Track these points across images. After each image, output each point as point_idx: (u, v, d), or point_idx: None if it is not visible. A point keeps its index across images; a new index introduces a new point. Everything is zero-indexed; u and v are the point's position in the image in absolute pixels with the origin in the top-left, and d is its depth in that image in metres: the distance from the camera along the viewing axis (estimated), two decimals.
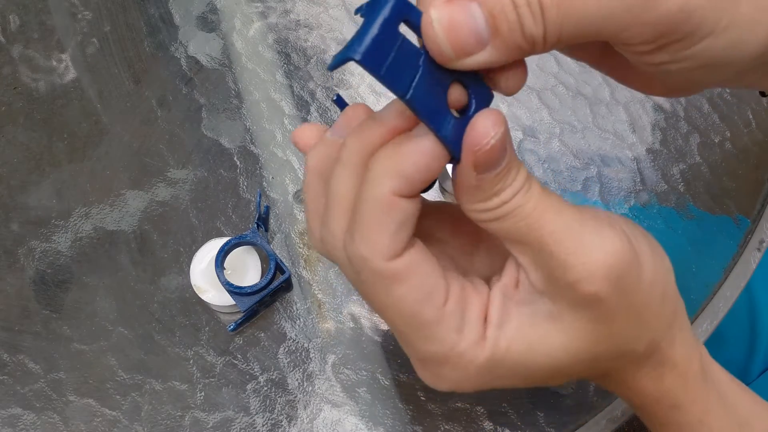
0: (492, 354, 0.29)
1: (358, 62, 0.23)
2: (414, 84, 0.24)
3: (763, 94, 0.50)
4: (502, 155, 0.26)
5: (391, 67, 0.24)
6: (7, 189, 0.54)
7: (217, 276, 0.48)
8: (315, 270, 0.52)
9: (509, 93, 0.28)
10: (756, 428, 0.36)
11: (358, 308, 0.51)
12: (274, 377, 0.49)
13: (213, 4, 0.61)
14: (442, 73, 0.25)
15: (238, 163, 0.55)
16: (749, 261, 0.53)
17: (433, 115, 0.25)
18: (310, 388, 0.49)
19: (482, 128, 0.26)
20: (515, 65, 0.27)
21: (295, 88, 0.58)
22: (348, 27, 0.61)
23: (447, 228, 0.32)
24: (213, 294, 0.50)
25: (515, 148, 0.57)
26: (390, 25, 0.24)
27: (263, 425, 0.48)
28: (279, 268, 0.49)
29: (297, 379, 0.49)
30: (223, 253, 0.48)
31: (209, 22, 0.60)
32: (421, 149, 0.26)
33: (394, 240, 0.27)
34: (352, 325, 0.51)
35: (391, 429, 0.48)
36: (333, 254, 0.29)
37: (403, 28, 0.25)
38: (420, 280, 0.28)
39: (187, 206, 0.54)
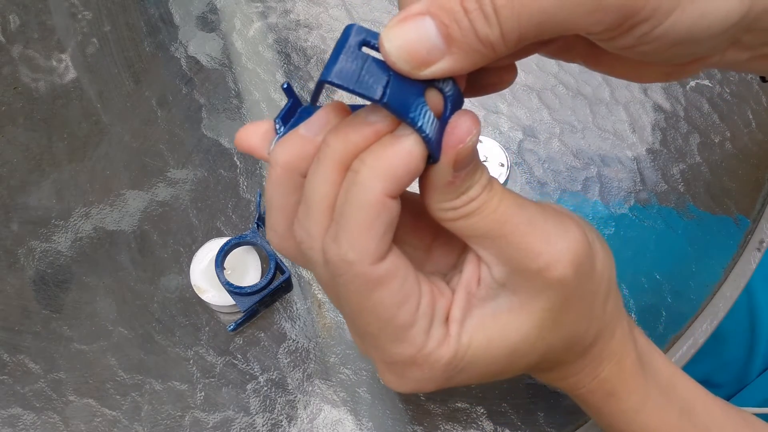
0: (455, 352, 0.29)
1: (332, 83, 0.26)
2: (388, 90, 0.26)
3: (763, 79, 0.50)
4: (475, 153, 0.28)
5: (363, 80, 0.26)
6: (7, 189, 0.54)
7: (217, 276, 0.48)
8: None
9: (498, 89, 0.29)
10: (698, 411, 0.37)
11: None
12: (274, 377, 0.49)
13: (213, 4, 0.61)
14: (413, 80, 0.27)
15: (238, 163, 0.55)
16: (749, 261, 0.53)
17: (415, 115, 0.27)
18: (310, 388, 0.49)
19: (465, 127, 0.27)
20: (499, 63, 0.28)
21: (295, 88, 0.58)
22: None
23: (406, 226, 0.32)
24: (213, 294, 0.50)
25: (515, 148, 0.57)
26: (353, 51, 0.27)
27: (263, 425, 0.48)
28: (279, 268, 0.49)
29: (297, 379, 0.49)
30: (223, 253, 0.48)
31: (209, 22, 0.60)
32: (409, 149, 0.27)
33: (381, 243, 0.27)
34: None
35: (391, 429, 0.48)
36: (307, 254, 0.30)
37: None
38: (400, 283, 0.28)
39: (187, 206, 0.54)
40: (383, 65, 0.27)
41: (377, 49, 0.27)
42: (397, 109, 0.26)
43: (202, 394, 0.49)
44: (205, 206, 0.54)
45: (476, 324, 0.30)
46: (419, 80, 0.27)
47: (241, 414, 0.48)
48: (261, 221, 0.51)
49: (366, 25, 0.61)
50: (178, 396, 0.49)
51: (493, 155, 0.53)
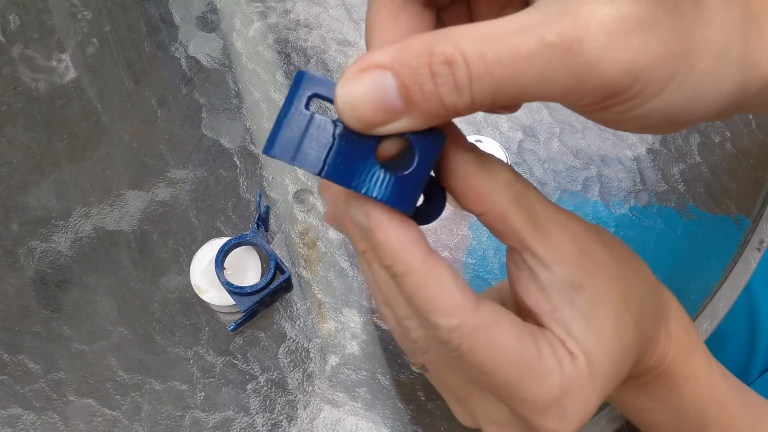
0: (587, 361, 0.28)
1: (273, 157, 0.25)
2: (329, 159, 0.25)
3: None
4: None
5: (303, 150, 0.25)
6: (7, 189, 0.54)
7: (217, 276, 0.48)
8: (315, 270, 0.52)
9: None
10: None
11: (358, 308, 0.51)
12: (274, 377, 0.49)
13: (213, 4, 0.61)
14: (363, 138, 0.25)
15: (238, 163, 0.55)
16: (749, 261, 0.53)
17: (359, 182, 0.25)
18: (310, 388, 0.49)
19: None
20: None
21: None
22: (348, 27, 0.61)
23: None
24: (213, 294, 0.50)
25: (515, 148, 0.57)
26: (297, 111, 0.25)
27: (263, 425, 0.48)
28: (279, 268, 0.49)
29: (297, 379, 0.49)
30: (223, 253, 0.48)
31: (209, 22, 0.60)
32: (389, 235, 0.26)
33: (462, 291, 0.27)
34: (352, 325, 0.51)
35: (391, 429, 0.48)
36: (422, 351, 0.30)
37: None
38: (509, 320, 0.28)
39: (187, 206, 0.54)
40: (329, 125, 0.25)
41: (328, 99, 0.25)
42: (338, 179, 0.25)
43: (202, 394, 0.49)
44: (205, 206, 0.54)
45: (581, 332, 0.29)
46: (369, 135, 0.25)
47: (241, 414, 0.48)
48: (261, 221, 0.51)
49: (365, 26, 0.61)
50: (178, 396, 0.49)
51: (493, 155, 0.53)
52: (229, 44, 0.59)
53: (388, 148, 0.27)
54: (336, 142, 0.25)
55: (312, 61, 0.59)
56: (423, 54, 0.23)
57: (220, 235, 0.53)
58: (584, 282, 0.29)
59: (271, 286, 0.48)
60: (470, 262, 0.53)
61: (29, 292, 0.51)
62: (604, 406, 0.49)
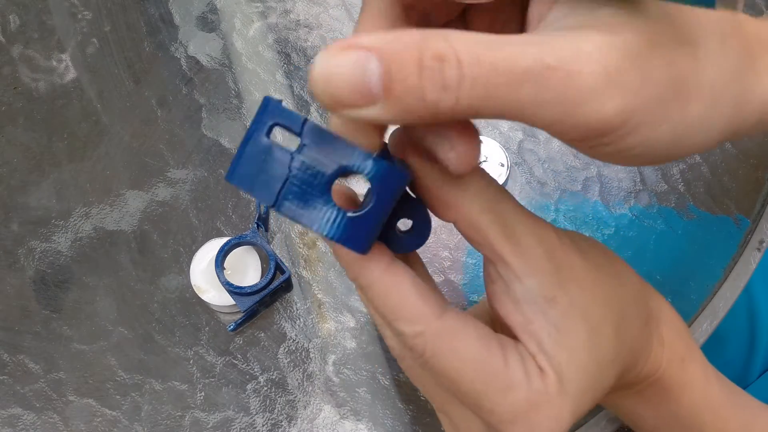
0: (558, 376, 0.28)
1: (233, 184, 0.25)
2: (282, 192, 0.25)
3: None
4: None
5: (260, 180, 0.25)
6: (7, 189, 0.54)
7: (217, 276, 0.48)
8: (315, 270, 0.52)
9: (456, 170, 0.26)
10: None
11: (358, 308, 0.51)
12: (274, 377, 0.49)
13: (213, 4, 0.61)
14: (319, 172, 0.25)
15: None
16: (749, 261, 0.53)
17: (311, 219, 0.25)
18: (310, 388, 0.49)
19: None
20: (461, 132, 0.26)
21: (295, 88, 0.58)
22: (348, 27, 0.61)
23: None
24: (213, 294, 0.50)
25: (515, 148, 0.57)
26: (258, 140, 0.25)
27: (263, 425, 0.48)
28: (279, 268, 0.49)
29: (297, 379, 0.49)
30: (223, 253, 0.48)
31: (209, 22, 0.60)
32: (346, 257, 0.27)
33: (425, 301, 0.27)
34: (352, 325, 0.51)
35: (391, 429, 0.48)
36: (400, 359, 0.31)
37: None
38: (474, 329, 0.28)
39: (187, 206, 0.54)
40: (286, 157, 0.24)
41: (289, 130, 0.25)
42: (290, 214, 0.25)
43: (202, 394, 0.49)
44: (205, 206, 0.54)
45: (553, 346, 0.28)
46: (326, 170, 0.24)
47: (241, 414, 0.48)
48: (261, 221, 0.51)
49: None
50: (178, 396, 0.49)
51: (493, 155, 0.53)
52: (229, 44, 0.59)
53: (341, 190, 0.27)
54: (291, 176, 0.25)
55: (312, 61, 0.59)
56: (414, 46, 0.22)
57: (220, 235, 0.53)
58: (557, 294, 0.28)
59: (271, 286, 0.48)
60: (470, 262, 0.53)
61: (29, 292, 0.51)
62: (603, 407, 0.49)
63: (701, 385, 0.37)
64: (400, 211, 0.28)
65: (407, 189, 0.28)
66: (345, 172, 0.25)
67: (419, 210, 0.29)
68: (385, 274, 0.27)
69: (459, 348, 0.27)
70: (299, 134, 0.25)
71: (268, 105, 0.25)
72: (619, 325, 0.30)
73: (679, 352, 0.35)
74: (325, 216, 0.25)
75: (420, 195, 0.28)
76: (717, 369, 0.41)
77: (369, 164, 0.24)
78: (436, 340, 0.27)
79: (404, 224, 0.29)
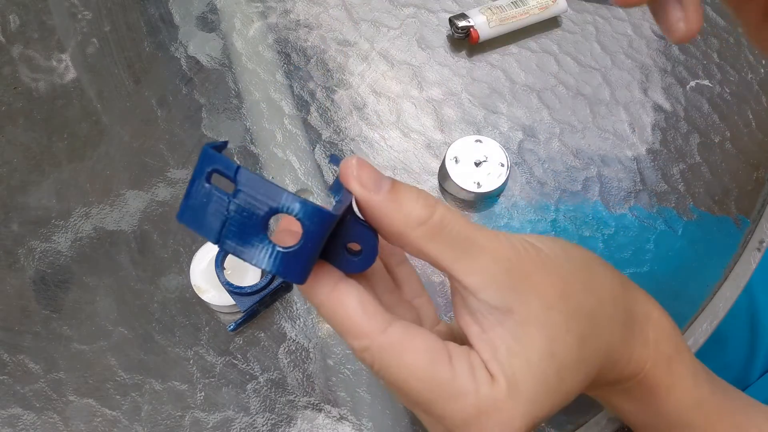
0: (508, 384, 0.29)
1: (183, 224, 0.28)
2: (224, 231, 0.27)
3: None
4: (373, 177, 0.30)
5: (205, 221, 0.27)
6: (7, 189, 0.54)
7: (217, 276, 0.48)
8: None
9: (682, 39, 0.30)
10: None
11: None
12: (274, 377, 0.49)
13: (213, 4, 0.61)
14: (254, 214, 0.27)
15: (239, 162, 0.55)
16: (749, 261, 0.53)
17: (250, 254, 0.27)
18: (310, 388, 0.49)
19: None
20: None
21: (295, 88, 0.58)
22: (348, 27, 0.61)
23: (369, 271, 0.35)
24: (213, 294, 0.50)
25: (515, 148, 0.57)
26: (200, 186, 0.27)
27: (263, 425, 0.48)
28: None
29: (297, 379, 0.49)
30: (223, 253, 0.48)
31: (209, 22, 0.60)
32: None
33: (367, 317, 0.29)
34: None
35: (391, 429, 0.48)
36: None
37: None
38: (421, 340, 0.29)
39: None
40: (224, 200, 0.27)
41: (225, 175, 0.27)
42: (231, 251, 0.27)
43: (202, 394, 0.49)
44: None
45: (507, 354, 0.30)
46: (259, 212, 0.27)
47: (241, 414, 0.48)
48: None
49: (365, 26, 0.61)
50: (178, 396, 0.49)
51: (493, 155, 0.53)
52: (229, 44, 0.60)
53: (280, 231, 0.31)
54: (230, 217, 0.27)
55: (312, 61, 0.59)
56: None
57: None
58: (513, 305, 0.30)
59: (271, 286, 0.48)
60: None
61: (29, 292, 0.51)
62: (603, 407, 0.49)
63: (689, 386, 0.37)
64: (350, 233, 0.31)
65: (359, 214, 0.31)
66: (276, 212, 0.27)
67: (367, 234, 0.31)
68: (332, 294, 0.30)
69: (404, 360, 0.29)
70: (233, 180, 0.27)
71: (207, 153, 0.28)
72: (586, 332, 0.31)
73: (665, 353, 0.36)
74: (261, 252, 0.27)
75: (372, 224, 0.31)
76: (717, 370, 0.41)
77: (297, 206, 0.27)
78: (382, 354, 0.29)
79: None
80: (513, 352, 0.29)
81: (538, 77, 0.60)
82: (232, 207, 0.27)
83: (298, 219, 0.27)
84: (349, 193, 0.30)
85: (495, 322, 0.30)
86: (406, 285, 0.35)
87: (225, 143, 0.29)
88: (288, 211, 0.27)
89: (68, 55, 0.59)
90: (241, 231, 0.27)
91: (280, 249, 0.27)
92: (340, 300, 0.30)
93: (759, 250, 0.54)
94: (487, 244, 0.30)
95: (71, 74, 0.58)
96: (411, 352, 0.29)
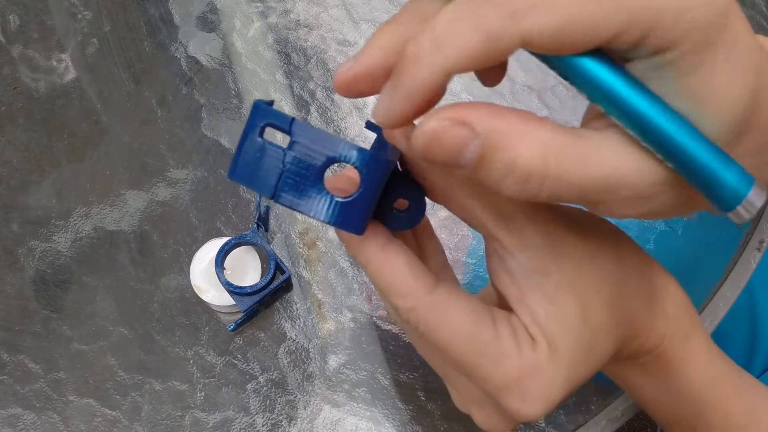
0: (549, 345, 0.29)
1: (234, 180, 0.28)
2: (279, 184, 0.27)
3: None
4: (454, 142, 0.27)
5: (258, 176, 0.27)
6: (7, 189, 0.54)
7: (217, 276, 0.48)
8: (315, 270, 0.52)
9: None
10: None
11: (357, 308, 0.51)
12: (274, 377, 0.49)
13: (213, 4, 0.61)
14: (310, 164, 0.27)
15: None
16: (749, 261, 0.53)
17: (307, 206, 0.28)
18: (310, 388, 0.49)
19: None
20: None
21: (295, 88, 0.58)
22: (348, 27, 0.61)
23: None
24: (213, 294, 0.50)
25: None
26: (253, 140, 0.27)
27: (263, 425, 0.48)
28: (279, 268, 0.49)
29: (297, 379, 0.49)
30: (223, 253, 0.48)
31: (209, 22, 0.60)
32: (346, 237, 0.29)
33: (416, 277, 0.29)
34: (352, 325, 0.51)
35: (391, 429, 0.48)
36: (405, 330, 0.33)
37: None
38: (465, 302, 0.29)
39: (187, 206, 0.54)
40: (279, 153, 0.27)
41: (281, 129, 0.27)
42: (288, 204, 0.27)
43: (202, 394, 0.49)
44: (205, 206, 0.54)
45: (546, 317, 0.30)
46: (316, 162, 0.27)
47: (241, 414, 0.48)
48: (261, 221, 0.51)
49: (365, 26, 0.61)
50: (178, 396, 0.49)
51: None
52: (229, 44, 0.60)
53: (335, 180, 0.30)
54: (285, 170, 0.27)
55: (312, 61, 0.59)
56: (511, 145, 0.24)
57: (220, 235, 0.53)
58: (550, 268, 0.30)
59: (271, 286, 0.48)
60: (470, 262, 0.53)
61: (29, 292, 0.51)
62: (604, 407, 0.49)
63: (704, 362, 0.37)
64: (398, 191, 0.30)
65: (407, 170, 0.30)
66: (333, 162, 0.27)
67: (414, 191, 0.31)
68: (380, 252, 0.29)
69: (450, 321, 0.29)
70: (289, 132, 0.27)
71: (259, 108, 0.27)
72: (615, 298, 0.31)
73: (683, 327, 0.36)
74: (319, 203, 0.27)
75: (418, 180, 0.30)
76: None
77: (354, 154, 0.27)
78: (428, 314, 0.29)
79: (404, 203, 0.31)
80: (551, 315, 0.30)
81: (537, 77, 0.60)
82: (287, 159, 0.27)
83: (356, 167, 0.27)
84: (395, 149, 0.30)
85: (533, 285, 0.30)
86: (432, 259, 0.35)
87: (272, 101, 0.29)
88: (345, 160, 0.27)
89: (68, 55, 0.59)
90: (298, 183, 0.27)
91: (339, 199, 0.27)
92: (389, 259, 0.29)
93: (759, 249, 0.54)
94: (528, 208, 0.30)
95: (71, 74, 0.58)
96: (457, 313, 0.29)
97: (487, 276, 0.32)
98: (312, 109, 0.58)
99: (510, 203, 0.30)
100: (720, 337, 0.59)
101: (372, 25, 0.61)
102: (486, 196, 0.30)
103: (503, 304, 0.32)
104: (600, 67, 0.24)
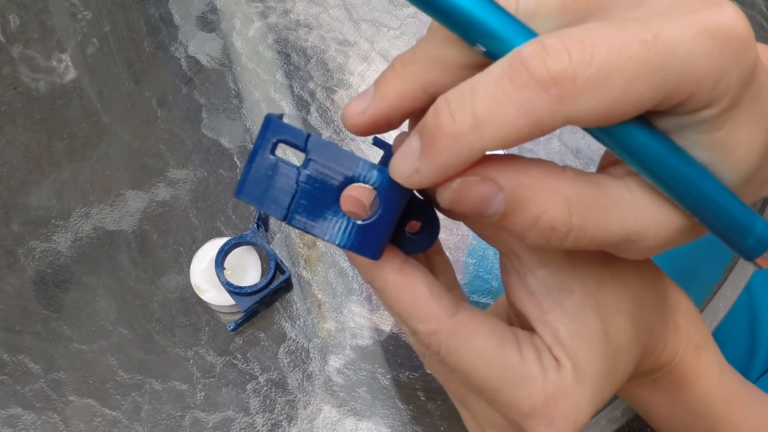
0: (573, 367, 0.29)
1: (242, 200, 0.26)
2: (293, 206, 0.26)
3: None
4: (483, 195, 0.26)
5: (269, 196, 0.26)
6: (7, 189, 0.54)
7: (217, 276, 0.48)
8: (315, 270, 0.52)
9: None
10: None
11: (357, 308, 0.51)
12: (274, 377, 0.49)
13: (213, 4, 0.61)
14: (326, 185, 0.26)
15: (238, 163, 0.55)
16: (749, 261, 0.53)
17: (321, 230, 0.26)
18: (310, 388, 0.49)
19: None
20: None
21: (295, 88, 0.58)
22: (348, 27, 0.61)
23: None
24: (213, 294, 0.50)
25: (515, 148, 0.57)
26: (264, 158, 0.26)
27: (263, 425, 0.48)
28: (279, 268, 0.49)
29: (297, 379, 0.49)
30: (223, 253, 0.48)
31: (209, 22, 0.60)
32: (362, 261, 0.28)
33: (437, 301, 0.28)
34: (352, 325, 0.51)
35: (391, 429, 0.48)
36: (426, 358, 0.32)
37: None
38: (488, 325, 0.28)
39: (187, 206, 0.54)
40: (293, 172, 0.25)
41: (293, 146, 0.26)
42: (301, 226, 0.26)
43: (202, 394, 0.49)
44: (205, 206, 0.54)
45: (569, 336, 0.29)
46: (333, 182, 0.25)
47: (241, 414, 0.48)
48: (261, 221, 0.51)
49: (365, 26, 0.61)
50: (178, 396, 0.49)
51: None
52: (229, 44, 0.60)
53: (350, 198, 0.28)
54: (299, 190, 0.25)
55: (312, 61, 0.59)
56: (536, 201, 0.24)
57: (220, 235, 0.53)
58: (572, 285, 0.29)
59: (271, 286, 0.48)
60: (470, 261, 0.53)
61: (29, 292, 0.51)
62: (604, 407, 0.49)
63: (715, 375, 0.37)
64: (409, 213, 0.29)
65: (415, 191, 0.29)
66: (351, 182, 0.25)
67: (427, 212, 0.29)
68: (397, 276, 0.28)
69: (473, 344, 0.28)
70: (304, 149, 0.25)
71: (270, 123, 0.26)
72: (635, 314, 0.31)
73: (694, 340, 0.36)
74: (335, 226, 0.26)
75: (427, 195, 0.29)
76: None
77: (374, 174, 0.25)
78: (450, 338, 0.28)
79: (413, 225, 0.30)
80: (574, 335, 0.29)
81: None
82: (302, 178, 0.25)
83: (375, 188, 0.25)
84: None
85: (554, 303, 0.29)
86: (442, 276, 0.34)
87: (282, 114, 0.27)
88: (365, 180, 0.25)
89: (68, 55, 0.59)
90: (313, 204, 0.25)
91: (357, 222, 0.26)
92: (408, 282, 0.28)
93: None
94: None
95: (71, 74, 0.58)
96: (480, 337, 0.28)
97: (487, 276, 0.31)
98: (312, 109, 0.58)
99: None
100: (720, 337, 0.59)
101: (372, 25, 0.61)
102: None
103: (519, 322, 0.31)
104: (635, 131, 0.24)
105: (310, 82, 0.58)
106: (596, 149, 0.57)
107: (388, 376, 0.49)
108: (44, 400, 0.48)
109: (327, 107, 0.58)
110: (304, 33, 0.60)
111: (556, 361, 0.28)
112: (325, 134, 0.57)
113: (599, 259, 0.30)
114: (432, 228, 0.29)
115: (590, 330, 0.29)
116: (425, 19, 0.62)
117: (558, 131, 0.58)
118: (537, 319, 0.29)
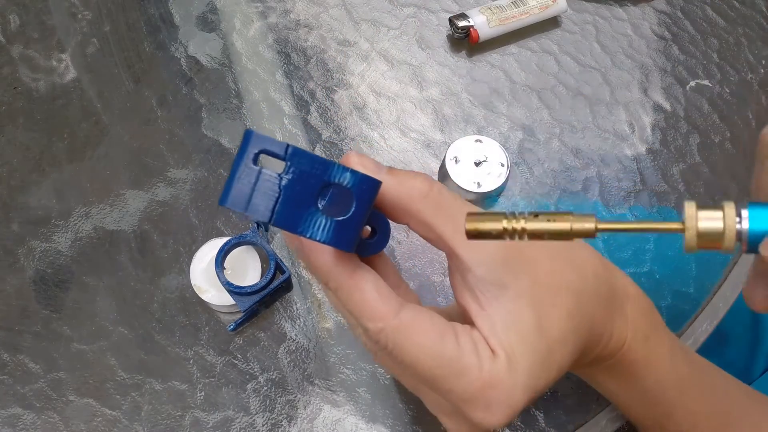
0: (508, 356, 0.31)
1: (227, 207, 0.29)
2: (276, 208, 0.29)
3: None
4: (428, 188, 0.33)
5: (254, 202, 0.29)
6: (7, 189, 0.54)
7: (217, 276, 0.48)
8: None
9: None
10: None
11: None
12: (274, 377, 0.49)
13: (213, 4, 0.61)
14: (306, 188, 0.29)
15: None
16: (749, 261, 0.53)
17: (304, 227, 0.29)
18: (310, 388, 0.49)
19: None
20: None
21: (295, 88, 0.58)
22: (348, 27, 0.61)
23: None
24: (213, 294, 0.50)
25: (515, 148, 0.57)
26: (247, 168, 0.29)
27: (263, 425, 0.48)
28: (279, 268, 0.49)
29: (297, 379, 0.49)
30: (223, 253, 0.48)
31: (209, 22, 0.60)
32: (318, 261, 0.32)
33: (382, 300, 0.31)
34: None
35: (391, 429, 0.48)
36: (373, 353, 0.36)
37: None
38: (429, 321, 0.31)
39: (187, 206, 0.54)
40: (275, 178, 0.28)
41: (274, 155, 0.28)
42: (285, 226, 0.29)
43: (202, 394, 0.49)
44: (205, 206, 0.54)
45: (504, 329, 0.32)
46: (311, 185, 0.29)
47: (241, 414, 0.48)
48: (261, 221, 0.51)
49: (365, 26, 0.61)
50: (178, 396, 0.49)
51: (493, 155, 0.53)
52: (229, 44, 0.60)
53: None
54: (282, 194, 0.29)
55: (312, 61, 0.59)
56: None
57: (220, 235, 0.53)
58: (508, 281, 0.32)
59: (271, 286, 0.48)
60: None
61: (29, 292, 0.51)
62: (604, 407, 0.49)
63: (666, 363, 0.39)
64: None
65: None
66: (328, 184, 0.29)
67: (379, 217, 0.33)
68: (351, 278, 0.31)
69: (416, 339, 0.31)
70: (284, 158, 0.29)
71: (252, 136, 0.29)
72: (573, 308, 0.33)
73: (642, 330, 0.38)
74: (315, 224, 0.29)
75: (378, 204, 0.32)
76: (719, 367, 0.41)
77: (348, 175, 0.29)
78: (396, 334, 0.31)
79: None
80: (509, 327, 0.32)
81: (538, 77, 0.60)
82: (284, 183, 0.28)
83: (349, 188, 0.29)
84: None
85: (491, 298, 0.32)
86: (389, 276, 0.37)
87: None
88: (340, 181, 0.29)
89: (68, 55, 0.59)
90: (294, 207, 0.29)
91: (335, 219, 0.29)
92: (358, 285, 0.31)
93: None
94: None
95: (71, 74, 0.58)
96: (422, 332, 0.31)
97: None
98: (312, 109, 0.58)
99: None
100: (722, 336, 0.59)
101: (372, 25, 0.61)
102: (445, 210, 0.32)
103: (464, 319, 0.33)
104: None
105: (310, 82, 0.58)
106: (596, 149, 0.57)
107: (388, 376, 0.49)
108: (44, 400, 0.48)
109: (327, 107, 0.58)
110: (304, 33, 0.60)
111: (492, 351, 0.31)
112: (325, 134, 0.57)
113: (537, 258, 0.33)
114: (384, 230, 0.33)
115: (524, 323, 0.32)
116: (425, 19, 0.62)
117: (558, 131, 0.58)
118: (476, 314, 0.32)
